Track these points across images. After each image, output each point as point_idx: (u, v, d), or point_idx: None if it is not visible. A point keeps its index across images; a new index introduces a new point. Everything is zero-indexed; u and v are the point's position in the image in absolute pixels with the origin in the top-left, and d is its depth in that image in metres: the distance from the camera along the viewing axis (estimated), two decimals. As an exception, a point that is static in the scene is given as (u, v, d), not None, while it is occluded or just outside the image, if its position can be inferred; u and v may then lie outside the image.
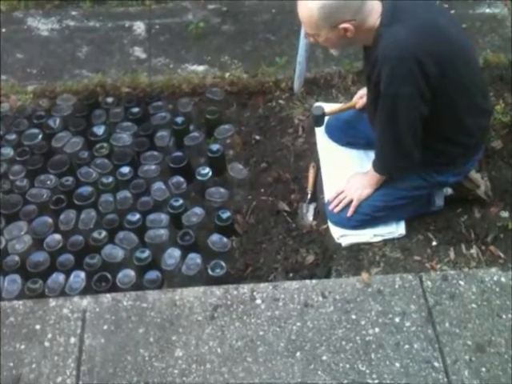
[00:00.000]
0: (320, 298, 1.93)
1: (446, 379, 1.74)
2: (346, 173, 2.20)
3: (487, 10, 3.29)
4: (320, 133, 2.46)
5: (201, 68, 2.93)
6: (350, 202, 2.12)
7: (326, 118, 2.41)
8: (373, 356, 1.79)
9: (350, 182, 2.16)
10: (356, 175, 2.18)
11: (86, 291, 2.02)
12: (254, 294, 1.94)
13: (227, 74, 2.86)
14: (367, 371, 1.76)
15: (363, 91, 2.29)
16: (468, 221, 2.25)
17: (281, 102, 2.79)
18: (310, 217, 2.32)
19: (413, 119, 1.84)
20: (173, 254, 2.13)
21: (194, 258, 2.13)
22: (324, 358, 1.79)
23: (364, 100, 2.27)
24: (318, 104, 2.53)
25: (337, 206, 2.14)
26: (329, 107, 2.45)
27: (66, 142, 2.53)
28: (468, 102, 1.92)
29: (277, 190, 2.44)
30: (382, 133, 1.95)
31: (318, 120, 2.40)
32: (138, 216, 2.24)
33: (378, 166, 2.06)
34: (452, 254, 2.15)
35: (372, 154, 2.12)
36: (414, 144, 1.90)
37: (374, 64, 1.79)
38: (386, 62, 1.74)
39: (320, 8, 1.71)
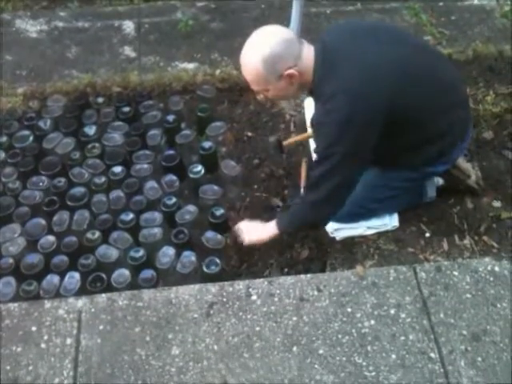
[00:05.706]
0: (315, 293, 1.93)
1: (442, 369, 1.75)
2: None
3: (476, 2, 3.30)
4: (309, 111, 2.46)
5: (191, 65, 2.93)
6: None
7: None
8: (369, 348, 1.80)
9: (248, 225, 2.16)
10: (254, 223, 2.17)
11: (81, 292, 2.01)
12: (250, 290, 1.95)
13: (218, 71, 2.86)
14: (364, 363, 1.77)
15: None
16: (461, 211, 2.27)
17: (272, 97, 2.79)
18: (303, 212, 2.32)
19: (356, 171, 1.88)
20: (167, 253, 2.13)
21: (189, 256, 2.12)
22: (320, 351, 1.80)
23: None
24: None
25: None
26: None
27: (57, 143, 2.52)
28: (435, 109, 1.89)
29: (270, 185, 2.44)
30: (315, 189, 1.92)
31: (278, 148, 2.47)
32: (131, 215, 2.24)
33: (287, 223, 2.06)
34: (445, 245, 2.16)
35: None
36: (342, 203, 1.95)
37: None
38: (330, 127, 1.76)
39: (263, 61, 1.73)
